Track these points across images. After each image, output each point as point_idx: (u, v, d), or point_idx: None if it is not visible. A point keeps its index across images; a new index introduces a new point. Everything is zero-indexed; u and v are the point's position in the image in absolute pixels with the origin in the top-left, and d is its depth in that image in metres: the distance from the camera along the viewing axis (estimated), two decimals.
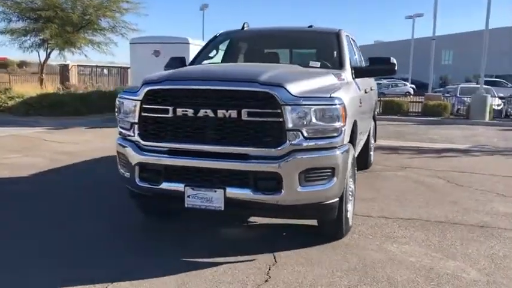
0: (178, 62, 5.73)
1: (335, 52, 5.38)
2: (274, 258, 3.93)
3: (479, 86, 20.45)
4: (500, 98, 20.75)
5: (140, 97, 3.91)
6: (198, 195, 3.78)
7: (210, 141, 3.75)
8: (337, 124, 3.74)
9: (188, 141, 3.81)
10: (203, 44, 15.62)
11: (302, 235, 4.51)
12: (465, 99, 19.58)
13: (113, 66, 23.31)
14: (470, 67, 43.28)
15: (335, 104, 3.74)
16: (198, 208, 3.80)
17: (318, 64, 4.99)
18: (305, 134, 3.64)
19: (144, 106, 3.90)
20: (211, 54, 5.80)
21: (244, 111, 3.61)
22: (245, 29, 5.90)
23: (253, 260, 3.90)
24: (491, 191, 6.53)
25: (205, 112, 3.68)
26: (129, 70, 24.45)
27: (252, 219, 4.91)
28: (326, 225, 4.27)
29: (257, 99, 3.64)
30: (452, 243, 4.38)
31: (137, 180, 4.00)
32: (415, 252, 4.13)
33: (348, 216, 4.34)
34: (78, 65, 26.67)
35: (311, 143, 3.67)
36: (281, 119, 3.60)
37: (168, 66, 5.79)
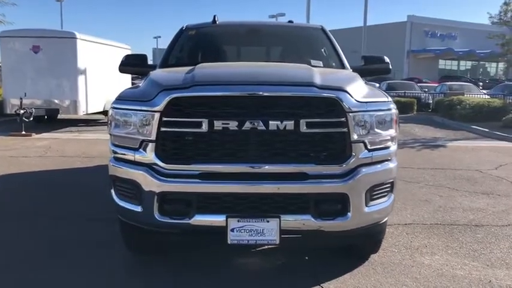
0: (139, 60, 4.74)
1: (327, 50, 4.90)
2: None
3: None
4: None
5: (160, 107, 2.98)
6: (246, 228, 3.01)
7: (258, 160, 3.00)
8: (393, 132, 3.32)
9: (229, 162, 3.01)
10: (95, 39, 14.18)
11: (322, 257, 3.99)
12: None
13: None
14: None
15: (391, 109, 3.31)
16: (245, 244, 3.04)
17: (321, 63, 4.48)
18: (368, 146, 3.14)
19: (166, 119, 2.99)
20: (181, 52, 4.89)
21: (302, 122, 2.96)
22: (217, 22, 5.09)
23: None
24: (440, 186, 6.76)
25: (253, 124, 2.94)
26: None
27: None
28: (368, 245, 3.81)
29: (318, 106, 3.02)
30: (473, 248, 4.27)
31: (156, 214, 3.06)
32: (452, 263, 3.90)
33: None
34: None
35: (374, 155, 3.18)
36: (345, 129, 3.03)
37: (124, 66, 4.75)
